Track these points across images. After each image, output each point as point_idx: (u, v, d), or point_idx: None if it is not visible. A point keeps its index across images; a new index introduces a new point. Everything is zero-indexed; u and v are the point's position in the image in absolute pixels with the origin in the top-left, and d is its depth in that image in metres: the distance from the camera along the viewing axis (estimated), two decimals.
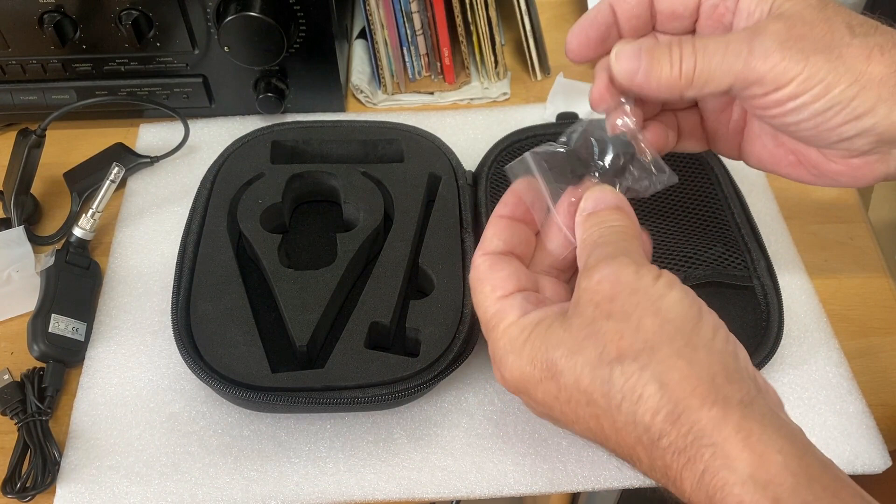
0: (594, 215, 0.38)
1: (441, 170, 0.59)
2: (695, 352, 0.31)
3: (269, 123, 0.61)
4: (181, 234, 0.55)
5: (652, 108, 0.45)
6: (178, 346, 0.48)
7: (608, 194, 0.39)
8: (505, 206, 0.42)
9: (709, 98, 0.45)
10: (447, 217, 0.56)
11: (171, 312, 0.50)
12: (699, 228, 0.57)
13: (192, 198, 0.57)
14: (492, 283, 0.39)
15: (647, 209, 0.58)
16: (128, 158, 0.64)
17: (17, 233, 0.58)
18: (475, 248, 0.54)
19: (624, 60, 0.40)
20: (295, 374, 0.48)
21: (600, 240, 0.36)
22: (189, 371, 0.48)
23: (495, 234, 0.41)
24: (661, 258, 0.55)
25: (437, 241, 0.54)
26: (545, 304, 0.38)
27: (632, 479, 0.48)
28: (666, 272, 0.34)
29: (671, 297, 0.32)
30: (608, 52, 0.42)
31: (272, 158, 0.59)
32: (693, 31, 0.44)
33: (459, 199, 0.57)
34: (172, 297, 0.51)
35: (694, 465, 0.30)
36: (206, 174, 0.58)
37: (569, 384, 0.33)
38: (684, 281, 0.52)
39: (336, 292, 0.52)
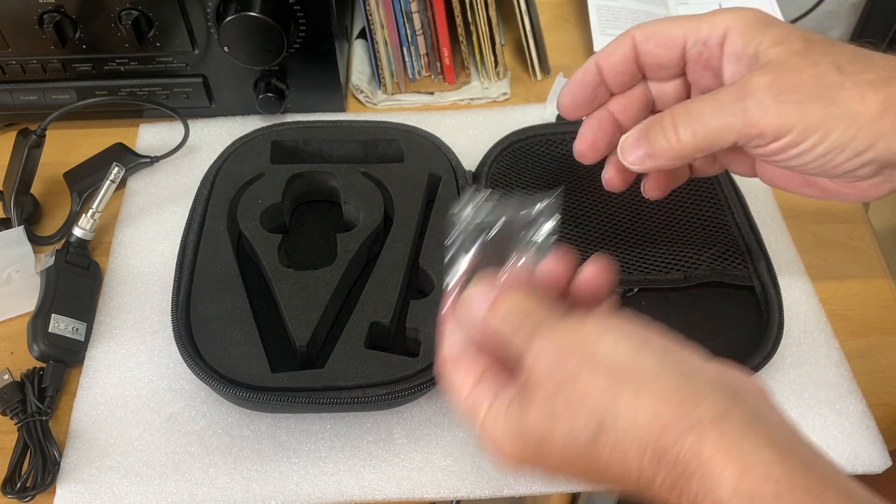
0: (485, 324, 0.36)
1: (441, 170, 0.59)
2: (649, 390, 0.30)
3: (269, 123, 0.61)
4: (181, 234, 0.55)
5: None
6: (178, 346, 0.48)
7: (477, 296, 0.36)
8: (450, 305, 0.39)
9: None
10: (447, 217, 0.56)
11: (171, 312, 0.50)
12: (699, 228, 0.57)
13: (192, 198, 0.57)
14: (458, 383, 0.36)
15: (648, 210, 0.58)
16: (128, 158, 0.64)
17: (18, 233, 0.58)
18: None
19: (629, 154, 0.42)
20: (295, 374, 0.48)
21: (510, 330, 0.35)
22: (189, 371, 0.48)
23: (449, 336, 0.38)
24: (662, 259, 0.55)
25: (437, 241, 0.54)
26: (507, 380, 0.35)
27: None
28: (589, 318, 0.33)
29: (604, 346, 0.32)
30: (599, 106, 0.45)
31: (272, 158, 0.59)
32: (684, 75, 0.45)
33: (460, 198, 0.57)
34: (172, 297, 0.51)
35: (689, 493, 0.29)
36: (205, 174, 0.58)
37: (560, 458, 0.32)
38: (685, 281, 0.52)
39: (336, 292, 0.52)
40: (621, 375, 0.31)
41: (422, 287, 0.54)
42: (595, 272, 0.38)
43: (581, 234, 0.57)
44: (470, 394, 0.35)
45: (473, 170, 0.61)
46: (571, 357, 0.32)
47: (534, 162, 0.61)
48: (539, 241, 0.40)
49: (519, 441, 0.33)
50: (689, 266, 0.54)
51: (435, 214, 0.56)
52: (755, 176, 0.47)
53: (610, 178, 0.47)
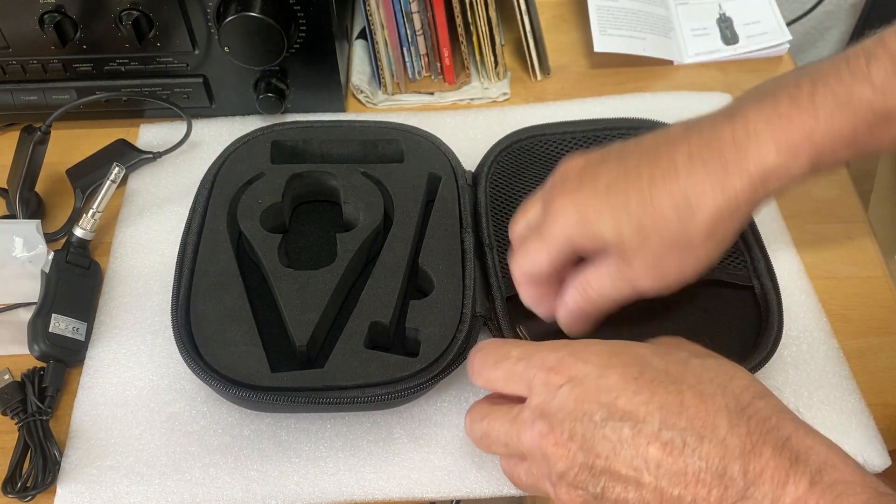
0: (482, 380, 0.43)
1: (441, 170, 0.59)
2: (679, 417, 0.34)
3: (269, 123, 0.61)
4: (181, 234, 0.55)
5: None
6: (178, 346, 0.49)
7: (478, 356, 0.43)
8: None
9: None
10: (447, 217, 0.56)
11: (171, 312, 0.50)
12: None
13: (193, 198, 0.57)
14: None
15: None
16: (130, 154, 0.64)
17: (36, 226, 0.57)
18: (475, 248, 0.54)
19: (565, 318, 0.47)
20: (295, 374, 0.48)
21: (499, 374, 0.41)
22: (189, 371, 0.48)
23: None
24: None
25: (436, 241, 0.54)
26: None
27: None
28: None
29: (589, 349, 0.38)
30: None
31: (272, 158, 0.59)
32: None
33: (459, 199, 0.57)
34: (172, 297, 0.51)
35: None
36: (206, 174, 0.58)
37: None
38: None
39: (336, 292, 0.52)
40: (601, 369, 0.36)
41: (422, 287, 0.54)
42: None
43: None
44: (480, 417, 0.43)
45: (473, 170, 0.61)
46: (564, 361, 0.38)
47: (534, 162, 0.61)
48: None
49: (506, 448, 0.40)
50: None
51: (435, 214, 0.56)
52: None
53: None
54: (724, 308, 0.54)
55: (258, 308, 0.52)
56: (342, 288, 0.53)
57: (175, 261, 0.53)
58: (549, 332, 0.48)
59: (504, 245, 0.56)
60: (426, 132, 0.61)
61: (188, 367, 0.48)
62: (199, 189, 0.57)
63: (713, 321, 0.53)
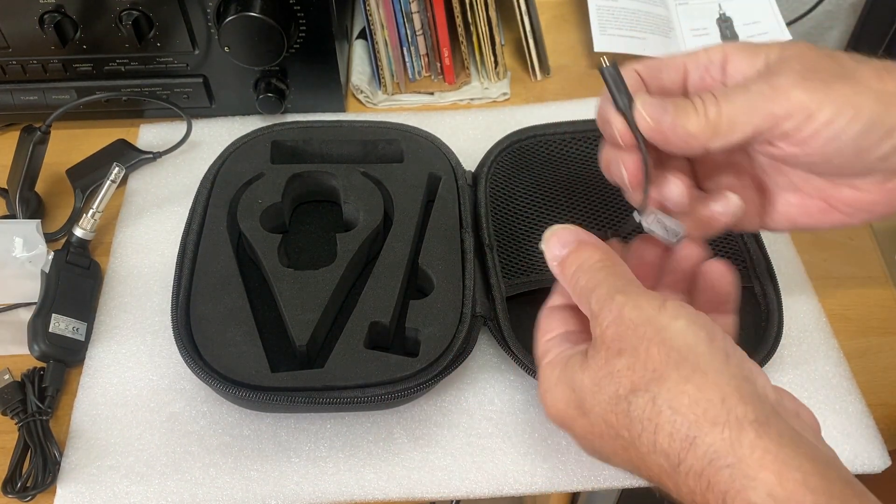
0: (566, 263, 0.39)
1: (441, 170, 0.59)
2: (704, 376, 0.31)
3: (269, 123, 0.61)
4: (181, 234, 0.55)
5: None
6: (177, 346, 0.49)
7: (566, 233, 0.40)
8: (560, 296, 0.42)
9: (729, 156, 0.44)
10: (447, 217, 0.56)
11: (171, 312, 0.50)
12: None
13: (193, 198, 0.57)
14: (544, 328, 0.41)
15: None
16: (130, 154, 0.64)
17: (36, 226, 0.57)
18: (475, 248, 0.54)
19: (650, 107, 0.39)
20: (295, 374, 0.48)
21: (589, 284, 0.37)
22: (189, 371, 0.48)
23: (557, 290, 0.42)
24: None
25: (436, 241, 0.54)
26: (583, 339, 0.38)
27: (631, 479, 0.48)
28: (671, 300, 0.34)
29: (676, 326, 0.33)
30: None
31: (272, 158, 0.59)
32: None
33: (459, 199, 0.57)
34: (172, 297, 0.51)
35: (716, 488, 0.30)
36: (205, 174, 0.58)
37: (597, 420, 0.34)
38: None
39: (336, 292, 0.52)
40: (682, 356, 0.31)
41: (421, 287, 0.54)
42: (722, 272, 0.41)
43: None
44: (546, 342, 0.39)
45: (473, 170, 0.61)
46: (646, 327, 0.33)
47: (534, 162, 0.61)
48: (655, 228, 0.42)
49: (568, 390, 0.35)
50: None
51: (435, 214, 0.56)
52: (763, 228, 0.45)
53: (623, 137, 0.41)
54: None
55: (258, 308, 0.52)
56: (342, 288, 0.53)
57: (175, 261, 0.53)
58: None
59: (504, 245, 0.56)
60: (426, 132, 0.61)
61: (188, 367, 0.48)
62: (199, 189, 0.57)
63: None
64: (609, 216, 0.58)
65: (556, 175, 0.60)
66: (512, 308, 0.52)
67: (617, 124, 0.40)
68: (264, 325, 0.51)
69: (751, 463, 0.29)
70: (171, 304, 0.51)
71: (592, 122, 0.62)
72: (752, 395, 0.31)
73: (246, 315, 0.50)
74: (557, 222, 0.57)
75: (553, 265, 0.40)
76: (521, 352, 0.50)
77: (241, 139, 0.60)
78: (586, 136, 0.62)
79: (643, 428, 0.32)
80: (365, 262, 0.56)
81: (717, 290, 0.41)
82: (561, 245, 0.39)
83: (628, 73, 0.42)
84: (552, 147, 0.62)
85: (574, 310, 0.41)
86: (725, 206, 0.43)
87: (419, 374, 0.48)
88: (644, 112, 0.39)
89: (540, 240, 0.52)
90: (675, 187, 0.42)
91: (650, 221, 0.42)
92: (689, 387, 0.31)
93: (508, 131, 0.63)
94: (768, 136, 0.38)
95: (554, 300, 0.43)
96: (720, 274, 0.42)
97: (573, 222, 0.56)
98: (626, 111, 0.40)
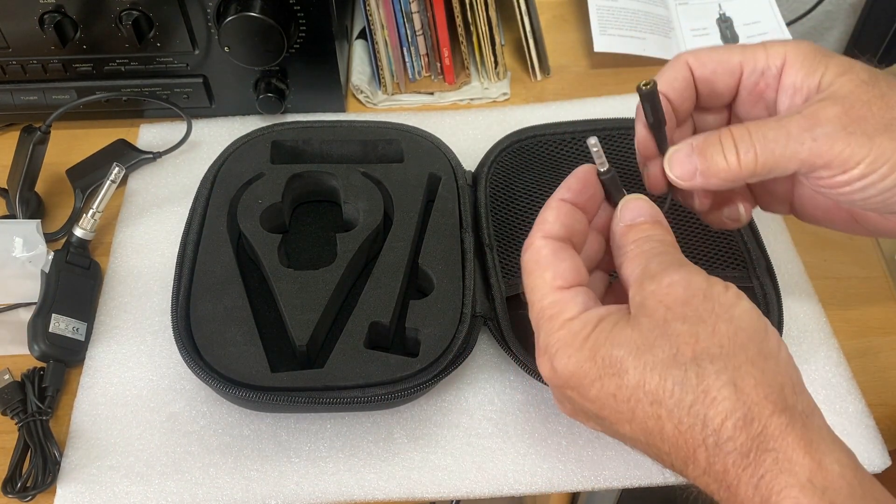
0: (637, 227, 0.38)
1: (441, 170, 0.59)
2: (766, 361, 0.32)
3: (269, 123, 0.61)
4: (181, 234, 0.55)
5: None
6: (178, 346, 0.49)
7: (646, 206, 0.39)
8: (568, 190, 0.40)
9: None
10: (447, 217, 0.56)
11: (171, 312, 0.50)
12: (698, 229, 0.57)
13: (193, 198, 0.57)
14: (553, 270, 0.38)
15: None
16: (130, 154, 0.64)
17: (36, 226, 0.57)
18: (475, 248, 0.54)
19: (678, 166, 0.40)
20: (294, 374, 0.48)
21: (654, 250, 0.37)
22: (189, 371, 0.48)
23: (557, 217, 0.40)
24: None
25: (436, 241, 0.54)
26: (608, 303, 0.38)
27: (630, 479, 0.48)
28: (732, 285, 0.34)
29: (742, 306, 0.33)
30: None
31: (272, 158, 0.59)
32: (730, 106, 0.44)
33: (459, 199, 0.57)
34: (172, 297, 0.51)
35: (754, 470, 0.30)
36: (206, 174, 0.58)
37: (632, 383, 0.33)
38: None
39: (336, 292, 0.52)
40: (749, 338, 0.32)
41: (421, 287, 0.54)
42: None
43: None
44: (561, 290, 0.37)
45: (473, 170, 0.61)
46: (713, 301, 0.33)
47: (534, 162, 0.61)
48: None
49: (596, 350, 0.34)
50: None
51: (435, 214, 0.56)
52: (791, 213, 0.46)
53: (656, 183, 0.43)
54: None
55: (258, 308, 0.52)
56: (342, 288, 0.53)
57: (175, 261, 0.53)
58: None
59: (504, 245, 0.56)
60: (426, 132, 0.61)
61: (188, 367, 0.48)
62: (199, 189, 0.57)
63: None
64: None
65: (556, 175, 0.60)
66: (512, 308, 0.52)
67: (650, 174, 0.42)
68: (264, 325, 0.51)
69: (797, 449, 0.30)
70: (171, 304, 0.51)
71: (592, 122, 0.63)
72: (801, 387, 0.32)
73: (246, 315, 0.50)
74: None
75: (619, 226, 0.39)
76: (521, 352, 0.49)
77: (241, 139, 0.60)
78: (586, 136, 0.62)
79: (696, 399, 0.31)
80: (365, 262, 0.56)
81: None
82: (638, 213, 0.39)
83: (678, 66, 0.42)
84: (552, 147, 0.62)
85: (581, 256, 0.40)
86: (734, 215, 0.44)
87: (419, 374, 0.48)
88: (674, 176, 0.40)
89: None
90: (696, 202, 0.44)
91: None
92: (755, 369, 0.31)
93: (508, 131, 0.63)
94: (803, 175, 0.39)
95: (563, 193, 0.40)
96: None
97: None
98: (662, 145, 0.42)
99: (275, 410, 0.50)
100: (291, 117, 0.69)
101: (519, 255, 0.54)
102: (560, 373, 0.36)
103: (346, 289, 0.54)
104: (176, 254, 0.53)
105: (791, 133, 0.37)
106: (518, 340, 0.50)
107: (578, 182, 0.41)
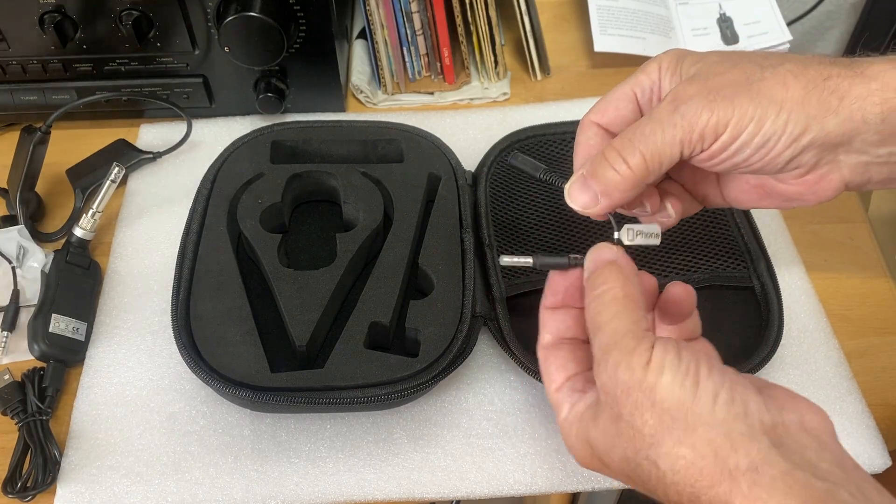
0: (590, 280, 0.40)
1: (441, 170, 0.58)
2: (695, 433, 0.32)
3: (269, 123, 0.61)
4: (181, 234, 0.55)
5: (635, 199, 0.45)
6: (178, 346, 0.49)
7: (602, 251, 0.40)
8: (546, 297, 0.43)
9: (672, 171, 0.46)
10: (447, 217, 0.56)
11: (171, 312, 0.50)
12: (698, 230, 0.57)
13: (193, 198, 0.57)
14: (547, 377, 0.41)
15: None
16: (130, 154, 0.64)
17: (20, 230, 0.58)
18: (474, 248, 0.54)
19: (578, 198, 0.42)
20: (294, 374, 0.48)
21: (595, 320, 0.38)
22: (189, 371, 0.48)
23: (544, 326, 0.43)
24: (661, 264, 0.55)
25: (436, 241, 0.54)
26: (589, 386, 0.40)
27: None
28: (657, 350, 0.35)
29: (663, 383, 0.34)
30: None
31: (272, 158, 0.59)
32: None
33: (459, 199, 0.57)
34: (172, 297, 0.51)
35: None
36: (205, 174, 0.58)
37: (618, 471, 0.36)
38: None
39: (335, 292, 0.52)
40: (673, 418, 0.33)
41: (421, 287, 0.54)
42: (683, 291, 0.42)
43: (577, 239, 0.57)
44: (556, 393, 0.41)
45: (473, 170, 0.61)
46: (637, 392, 0.34)
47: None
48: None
49: (587, 446, 0.37)
50: (688, 270, 0.54)
51: (435, 214, 0.56)
52: (727, 205, 0.48)
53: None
54: (724, 309, 0.53)
55: (258, 308, 0.52)
56: (342, 288, 0.53)
57: (175, 261, 0.53)
58: None
59: (504, 245, 0.56)
60: (426, 132, 0.61)
61: (188, 367, 0.48)
62: (199, 189, 0.57)
63: (713, 322, 0.52)
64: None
65: (557, 174, 0.60)
66: (512, 308, 0.52)
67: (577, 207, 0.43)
68: (264, 325, 0.51)
69: None
70: (171, 304, 0.51)
71: None
72: (743, 436, 0.32)
73: (245, 315, 0.50)
74: (557, 222, 0.56)
75: (584, 276, 0.41)
76: (521, 352, 0.49)
77: (241, 139, 0.60)
78: None
79: (655, 485, 0.34)
80: (365, 262, 0.56)
81: (681, 309, 0.43)
82: (594, 261, 0.40)
83: (588, 130, 0.45)
84: (553, 147, 0.62)
85: (570, 344, 0.42)
86: (666, 217, 0.46)
87: (419, 375, 0.48)
88: (578, 207, 0.42)
89: (540, 239, 0.52)
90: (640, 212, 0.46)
91: (630, 237, 0.42)
92: (684, 449, 0.32)
93: (508, 131, 0.63)
94: (688, 156, 0.40)
95: (545, 301, 0.43)
96: (682, 295, 0.43)
97: (573, 222, 0.56)
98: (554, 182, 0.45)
99: (275, 411, 0.50)
100: (291, 117, 0.69)
101: (526, 251, 0.55)
102: (582, 465, 0.39)
103: (346, 289, 0.54)
104: (176, 254, 0.53)
105: (662, 120, 0.39)
106: (518, 340, 0.50)
107: (554, 294, 0.43)
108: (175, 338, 0.49)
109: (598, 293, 0.38)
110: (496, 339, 0.51)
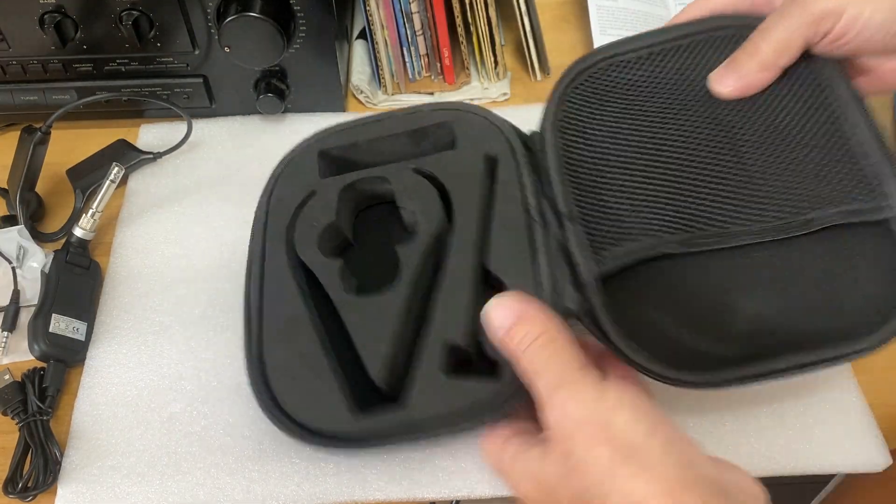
0: (508, 337, 0.39)
1: (496, 148, 0.51)
2: (649, 471, 0.33)
3: (310, 135, 0.55)
4: (182, 236, 0.54)
5: None
6: (258, 401, 0.45)
7: (508, 301, 0.40)
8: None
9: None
10: (510, 205, 0.48)
11: (246, 362, 0.47)
12: (794, 149, 0.46)
13: (193, 198, 0.56)
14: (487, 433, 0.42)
15: (750, 142, 0.47)
16: (130, 155, 0.64)
17: (20, 230, 0.58)
18: (555, 224, 0.47)
19: (721, 84, 0.49)
20: (378, 418, 0.44)
21: (533, 367, 0.38)
22: (190, 371, 0.48)
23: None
24: (744, 205, 0.45)
25: (504, 237, 0.47)
26: (530, 436, 0.40)
27: None
28: (612, 385, 0.35)
29: (619, 420, 0.34)
30: None
31: (321, 171, 0.53)
32: None
33: (520, 179, 0.49)
34: (245, 347, 0.47)
35: None
36: (259, 204, 0.53)
37: None
38: (792, 228, 0.44)
39: (405, 315, 0.47)
40: (628, 454, 0.34)
41: (496, 293, 0.46)
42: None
43: (661, 171, 0.47)
44: (492, 443, 0.41)
45: (536, 129, 0.51)
46: (590, 426, 0.35)
47: (611, 97, 0.50)
48: None
49: (535, 483, 0.37)
50: (787, 210, 0.44)
51: (498, 205, 0.48)
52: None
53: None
54: (851, 261, 0.43)
55: (335, 343, 0.47)
56: (410, 309, 0.47)
57: (174, 260, 0.53)
58: None
59: (588, 211, 0.47)
60: (474, 106, 0.53)
61: (271, 422, 0.45)
62: (254, 223, 0.52)
63: (836, 285, 0.43)
64: (721, 138, 0.47)
65: (645, 105, 0.50)
66: (612, 291, 0.44)
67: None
68: (342, 361, 0.47)
69: None
70: (245, 354, 0.47)
71: (675, 28, 0.52)
72: (694, 481, 0.33)
73: (319, 358, 0.46)
74: (655, 164, 0.48)
75: (498, 335, 0.40)
76: (627, 343, 0.42)
77: (287, 157, 0.54)
78: (673, 47, 0.51)
79: None
80: (434, 271, 0.49)
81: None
82: (503, 316, 0.40)
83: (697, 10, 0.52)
84: (630, 71, 0.51)
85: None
86: None
87: (506, 403, 0.43)
88: (727, 90, 0.48)
89: (635, 192, 0.47)
90: None
91: None
92: (638, 484, 0.33)
93: None
94: (812, 42, 0.46)
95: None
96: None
97: (674, 156, 0.48)
98: None
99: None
100: (291, 117, 0.69)
101: (610, 220, 0.46)
102: (521, 495, 0.39)
103: (416, 309, 0.47)
104: (175, 254, 0.54)
105: (785, 11, 0.46)
106: (624, 327, 0.42)
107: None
108: (253, 392, 0.46)
109: (524, 346, 0.38)
110: (595, 335, 0.44)
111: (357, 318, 0.47)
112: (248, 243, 0.51)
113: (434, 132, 0.54)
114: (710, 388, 0.43)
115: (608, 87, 0.51)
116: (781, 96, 0.48)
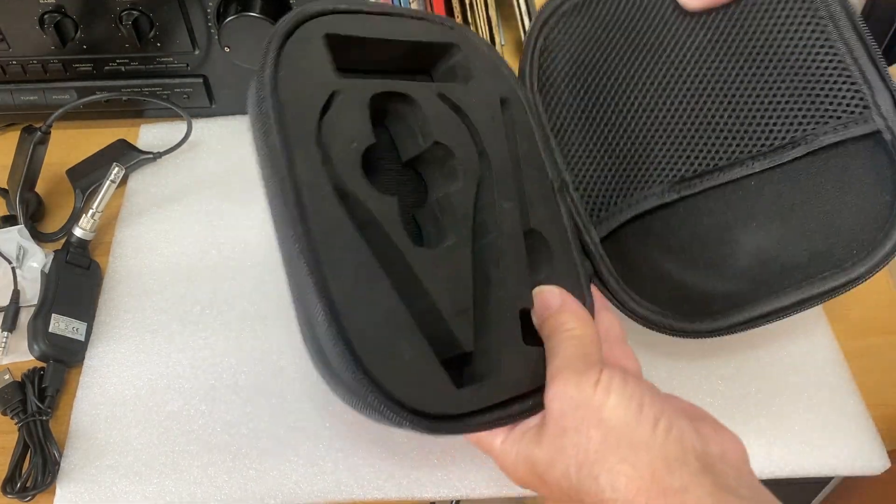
0: (547, 323, 0.41)
1: (503, 88, 0.45)
2: (637, 453, 0.34)
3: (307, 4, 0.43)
4: (182, 236, 0.54)
5: None
6: (369, 392, 0.34)
7: (553, 297, 0.41)
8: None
9: None
10: (533, 158, 0.44)
11: (325, 339, 0.34)
12: (773, 64, 0.42)
13: (193, 198, 0.56)
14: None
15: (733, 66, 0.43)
16: (130, 155, 0.64)
17: (20, 230, 0.58)
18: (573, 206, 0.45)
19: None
20: (479, 393, 0.38)
21: (552, 350, 0.39)
22: (187, 370, 0.48)
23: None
24: (724, 136, 0.43)
25: (535, 191, 0.43)
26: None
27: None
28: (605, 374, 0.36)
29: (609, 403, 0.36)
30: None
31: (335, 62, 0.41)
32: None
33: (535, 127, 0.45)
34: (311, 317, 0.34)
35: None
36: (257, 98, 0.40)
37: (555, 488, 0.37)
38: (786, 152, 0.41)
39: (476, 271, 0.41)
40: (618, 437, 0.35)
41: (538, 255, 0.43)
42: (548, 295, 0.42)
43: (642, 120, 0.45)
44: (489, 433, 0.41)
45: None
46: (584, 409, 0.36)
47: (598, 23, 0.47)
48: None
49: (527, 464, 0.38)
50: (768, 136, 0.42)
51: (522, 157, 0.44)
52: None
53: None
54: (844, 180, 0.41)
55: (405, 298, 0.37)
56: (475, 265, 0.41)
57: (174, 261, 0.53)
58: None
59: (580, 178, 0.45)
60: (478, 37, 0.47)
61: (377, 411, 0.35)
62: (262, 133, 0.39)
63: (831, 207, 0.41)
64: (697, 69, 0.44)
65: (615, 50, 0.46)
66: (610, 253, 0.43)
67: None
68: (420, 321, 0.37)
69: None
70: (318, 329, 0.34)
71: None
72: (677, 460, 0.34)
73: (403, 317, 0.37)
74: (634, 113, 0.45)
75: (545, 314, 0.41)
76: (645, 305, 0.42)
77: (283, 27, 0.42)
78: None
79: (592, 501, 0.35)
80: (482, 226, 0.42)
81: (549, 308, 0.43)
82: (545, 306, 0.41)
83: None
84: (587, 14, 0.47)
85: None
86: None
87: None
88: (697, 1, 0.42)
89: (620, 147, 0.45)
90: None
91: None
92: (625, 466, 0.34)
93: None
94: None
95: None
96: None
97: (652, 101, 0.45)
98: None
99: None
100: None
101: (601, 182, 0.44)
102: (518, 483, 0.40)
103: (480, 266, 0.41)
104: (175, 254, 0.53)
105: None
106: (631, 287, 0.42)
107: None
108: (358, 384, 0.34)
109: (560, 331, 0.40)
110: (609, 298, 0.43)
111: (431, 271, 0.39)
112: (247, 243, 0.51)
113: (440, 52, 0.45)
114: (724, 335, 0.43)
115: (574, 37, 0.47)
116: (759, 6, 0.42)
